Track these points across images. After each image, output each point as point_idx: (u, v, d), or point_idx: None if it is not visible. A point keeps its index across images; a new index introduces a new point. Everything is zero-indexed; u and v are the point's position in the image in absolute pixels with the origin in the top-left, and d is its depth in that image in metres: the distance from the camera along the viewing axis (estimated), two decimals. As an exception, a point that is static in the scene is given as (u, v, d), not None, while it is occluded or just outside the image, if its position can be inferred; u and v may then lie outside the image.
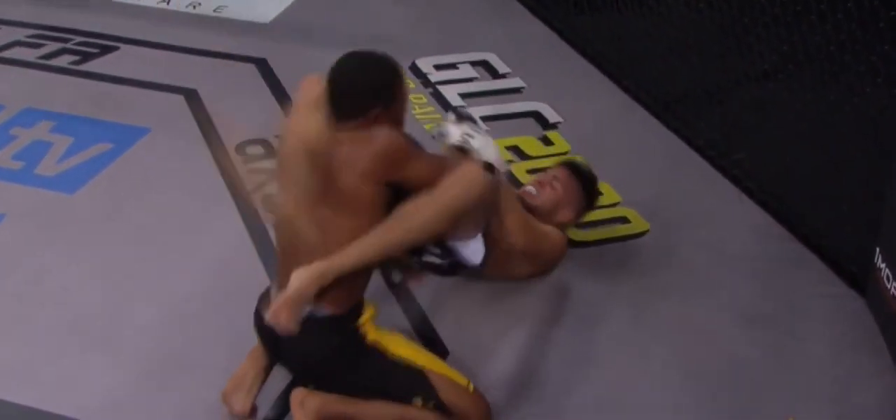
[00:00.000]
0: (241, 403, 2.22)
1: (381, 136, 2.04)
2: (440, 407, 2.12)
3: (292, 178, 2.13)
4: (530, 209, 2.61)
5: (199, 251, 2.85)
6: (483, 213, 2.31)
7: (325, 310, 2.08)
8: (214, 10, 4.41)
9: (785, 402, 2.33)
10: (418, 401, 2.12)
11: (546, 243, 2.61)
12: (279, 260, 2.20)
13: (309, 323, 2.08)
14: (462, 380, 2.17)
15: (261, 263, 2.79)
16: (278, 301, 2.05)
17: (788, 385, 2.38)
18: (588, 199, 2.76)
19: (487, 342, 2.49)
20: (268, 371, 2.26)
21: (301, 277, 2.02)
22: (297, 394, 2.13)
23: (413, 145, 2.12)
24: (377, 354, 2.12)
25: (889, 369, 2.40)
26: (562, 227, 2.69)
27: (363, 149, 2.03)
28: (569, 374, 2.38)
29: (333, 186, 2.05)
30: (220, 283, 2.72)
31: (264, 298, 2.21)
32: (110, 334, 2.54)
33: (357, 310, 2.13)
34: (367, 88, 2.10)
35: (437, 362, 2.19)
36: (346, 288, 2.09)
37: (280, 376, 2.28)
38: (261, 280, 2.71)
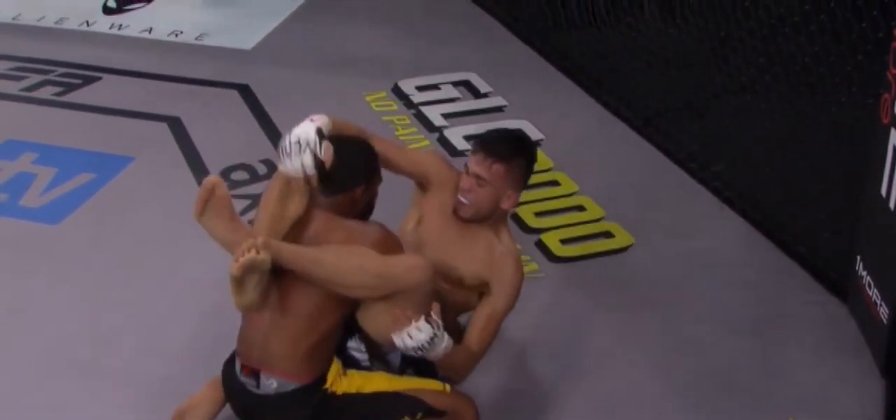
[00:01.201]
0: None
1: (375, 235, 2.11)
2: (429, 413, 2.14)
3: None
4: (466, 221, 2.25)
5: (183, 279, 2.84)
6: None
7: (292, 383, 2.10)
8: (196, 38, 4.43)
9: (770, 408, 2.35)
10: (407, 418, 2.13)
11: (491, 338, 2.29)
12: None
13: (279, 399, 2.10)
14: (437, 385, 2.20)
15: (247, 288, 2.79)
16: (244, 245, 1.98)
17: (773, 391, 2.40)
18: (521, 169, 2.26)
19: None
20: (223, 404, 2.27)
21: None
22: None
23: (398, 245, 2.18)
24: (352, 401, 2.15)
25: (872, 373, 2.42)
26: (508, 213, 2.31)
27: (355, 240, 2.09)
28: (556, 389, 2.39)
29: None
30: (204, 310, 2.71)
31: (230, 364, 2.21)
32: (95, 362, 2.53)
33: (323, 377, 2.14)
34: (357, 170, 2.18)
35: (409, 381, 2.20)
36: (317, 359, 2.12)
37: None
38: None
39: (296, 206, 2.12)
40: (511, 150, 2.23)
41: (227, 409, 2.30)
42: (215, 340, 2.50)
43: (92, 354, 2.56)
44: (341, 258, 2.05)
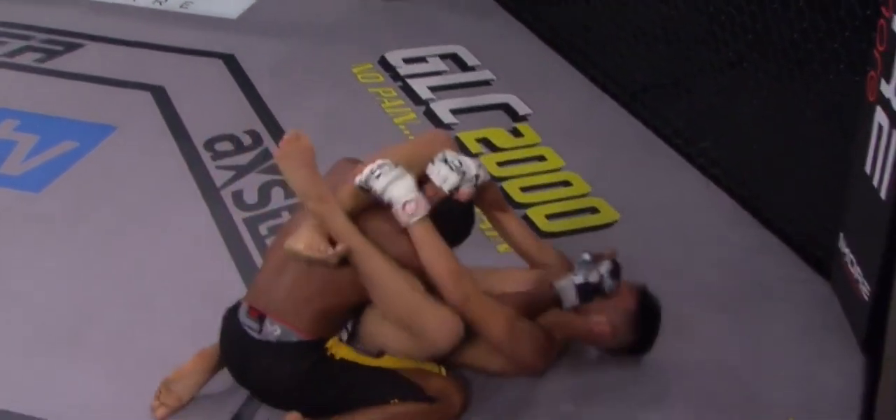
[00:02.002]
0: (174, 398, 2.24)
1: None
2: (420, 397, 2.14)
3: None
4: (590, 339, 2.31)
5: (167, 248, 2.83)
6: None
7: (296, 335, 2.11)
8: (180, 6, 4.38)
9: (751, 384, 2.37)
10: (396, 399, 2.14)
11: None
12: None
13: (279, 347, 2.11)
14: (434, 368, 2.19)
15: (231, 260, 2.78)
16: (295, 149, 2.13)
17: (757, 367, 2.42)
18: (640, 340, 2.33)
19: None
20: (211, 374, 2.28)
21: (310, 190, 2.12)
22: (292, 417, 2.13)
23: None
24: (347, 368, 2.15)
25: (854, 351, 2.44)
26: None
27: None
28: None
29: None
30: (188, 280, 2.70)
31: (231, 311, 2.21)
32: (78, 334, 2.51)
33: (325, 339, 2.16)
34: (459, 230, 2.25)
35: (405, 362, 2.20)
36: (326, 322, 2.13)
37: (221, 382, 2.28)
38: (230, 277, 2.71)
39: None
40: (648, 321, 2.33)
41: (214, 383, 2.30)
42: (201, 312, 2.49)
43: (76, 326, 2.54)
44: (390, 273, 2.08)
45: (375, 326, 2.18)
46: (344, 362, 2.15)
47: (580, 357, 2.43)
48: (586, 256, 2.25)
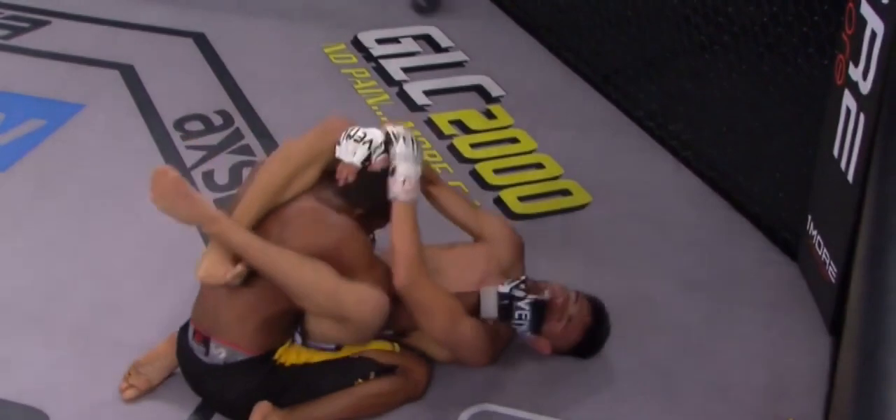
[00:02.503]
0: (144, 380, 2.23)
1: (339, 233, 2.14)
2: (383, 371, 2.16)
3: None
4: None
5: (135, 228, 2.80)
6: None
7: (242, 354, 2.10)
8: (150, -16, 4.31)
9: (720, 364, 2.40)
10: (359, 380, 2.14)
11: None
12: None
13: (226, 369, 2.11)
14: (386, 345, 2.20)
15: (201, 242, 2.75)
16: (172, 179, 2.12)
17: (725, 348, 2.45)
18: (583, 350, 2.34)
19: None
20: None
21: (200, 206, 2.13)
22: (261, 407, 2.10)
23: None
24: (299, 371, 2.16)
25: (820, 331, 2.48)
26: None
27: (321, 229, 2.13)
28: (511, 347, 2.40)
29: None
30: (157, 260, 2.68)
31: (184, 330, 2.21)
32: (45, 313, 2.49)
33: (274, 351, 2.15)
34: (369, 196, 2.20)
35: (356, 348, 2.20)
36: (268, 334, 2.13)
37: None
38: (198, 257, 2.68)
39: (310, 177, 2.17)
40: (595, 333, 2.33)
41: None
42: (172, 294, 2.48)
43: (44, 306, 2.51)
44: (297, 268, 2.06)
45: (314, 324, 2.16)
46: (295, 367, 2.15)
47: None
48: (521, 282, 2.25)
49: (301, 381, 2.15)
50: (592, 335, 2.31)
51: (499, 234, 2.40)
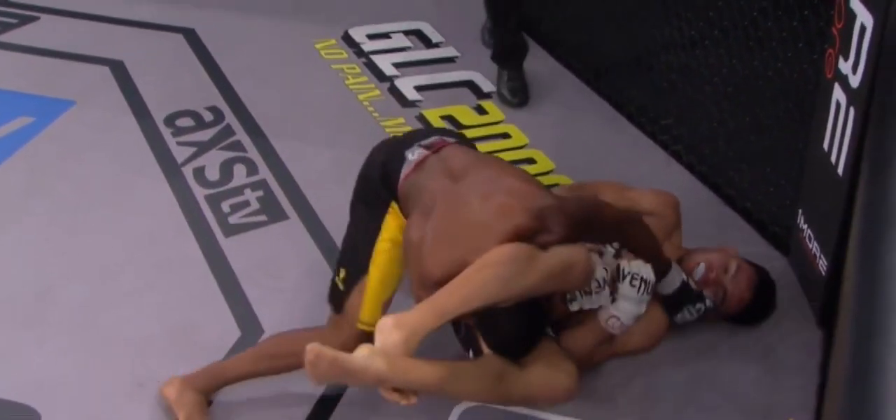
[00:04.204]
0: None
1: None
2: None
3: None
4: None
5: (127, 226, 2.79)
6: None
7: None
8: (139, -21, 4.30)
9: (710, 358, 2.41)
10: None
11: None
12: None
13: None
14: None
15: (193, 237, 2.76)
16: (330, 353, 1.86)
17: (716, 342, 2.45)
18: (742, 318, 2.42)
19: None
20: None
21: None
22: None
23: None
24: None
25: (810, 325, 2.49)
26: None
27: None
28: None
29: None
30: (151, 257, 2.67)
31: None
32: (36, 311, 2.48)
33: None
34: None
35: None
36: None
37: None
38: (192, 253, 2.69)
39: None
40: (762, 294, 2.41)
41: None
42: (165, 290, 2.47)
43: (35, 304, 2.50)
44: (475, 390, 2.06)
45: None
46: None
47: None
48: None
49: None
50: (748, 310, 2.37)
51: (659, 206, 2.47)
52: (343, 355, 1.85)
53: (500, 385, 2.04)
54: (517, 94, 3.41)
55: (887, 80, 1.54)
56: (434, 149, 2.17)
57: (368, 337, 2.03)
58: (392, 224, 2.16)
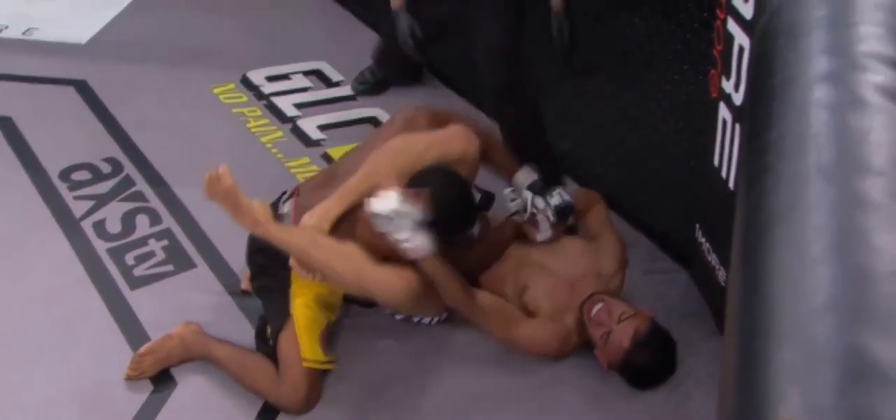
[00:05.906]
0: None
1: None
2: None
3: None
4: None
5: (26, 283, 2.69)
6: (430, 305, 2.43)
7: None
8: (23, 33, 4.16)
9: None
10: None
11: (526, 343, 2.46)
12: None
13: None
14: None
15: (95, 291, 2.67)
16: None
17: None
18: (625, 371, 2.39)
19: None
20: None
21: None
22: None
23: None
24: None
25: (713, 334, 2.57)
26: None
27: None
28: (489, 359, 2.40)
29: None
30: (49, 315, 2.57)
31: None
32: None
33: None
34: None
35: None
36: None
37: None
38: (95, 306, 2.61)
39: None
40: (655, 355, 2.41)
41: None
42: (67, 348, 2.39)
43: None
44: (330, 261, 2.22)
45: None
46: None
47: (457, 368, 2.47)
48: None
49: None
50: (628, 362, 2.34)
51: (611, 250, 2.59)
52: (239, 194, 2.19)
53: (348, 262, 2.23)
54: (365, 82, 3.69)
55: (756, 94, 1.65)
56: (295, 191, 2.49)
57: (322, 373, 2.33)
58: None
